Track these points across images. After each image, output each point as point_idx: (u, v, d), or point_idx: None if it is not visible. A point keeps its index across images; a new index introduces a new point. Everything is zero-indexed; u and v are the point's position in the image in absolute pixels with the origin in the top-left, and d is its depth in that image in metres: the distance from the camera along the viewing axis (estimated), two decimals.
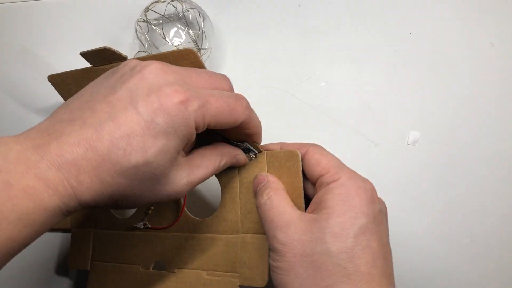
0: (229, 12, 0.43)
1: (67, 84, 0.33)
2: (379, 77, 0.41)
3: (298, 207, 0.27)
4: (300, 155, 0.28)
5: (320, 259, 0.23)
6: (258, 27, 0.43)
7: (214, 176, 0.31)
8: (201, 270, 0.32)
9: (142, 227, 0.34)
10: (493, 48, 0.41)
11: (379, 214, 0.25)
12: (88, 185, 0.21)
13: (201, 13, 0.39)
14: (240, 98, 0.26)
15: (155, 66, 0.23)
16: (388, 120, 0.41)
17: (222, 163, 0.28)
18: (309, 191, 0.29)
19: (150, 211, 0.35)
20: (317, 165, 0.27)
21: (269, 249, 0.26)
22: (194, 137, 0.23)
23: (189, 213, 0.33)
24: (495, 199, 0.41)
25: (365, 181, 0.26)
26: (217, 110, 0.23)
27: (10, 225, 0.19)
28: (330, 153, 0.28)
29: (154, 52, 0.38)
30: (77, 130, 0.21)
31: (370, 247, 0.24)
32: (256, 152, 0.30)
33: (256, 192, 0.29)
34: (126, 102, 0.21)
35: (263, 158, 0.30)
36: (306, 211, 0.27)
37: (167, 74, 0.23)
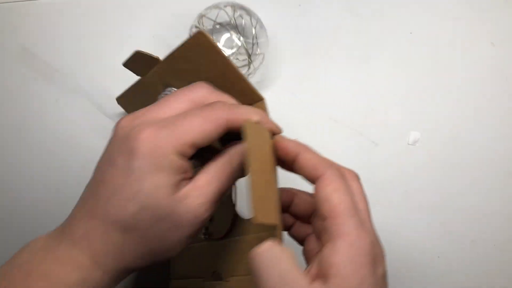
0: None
1: (129, 101, 0.36)
2: (379, 77, 0.41)
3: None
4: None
5: None
6: None
7: None
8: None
9: (205, 237, 0.32)
10: (493, 48, 0.41)
11: (381, 280, 0.22)
12: (104, 251, 0.22)
13: (254, 17, 0.38)
14: (211, 105, 0.24)
15: (123, 120, 0.23)
16: (388, 120, 0.41)
17: (235, 164, 0.25)
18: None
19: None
20: (325, 201, 0.22)
21: None
22: (184, 163, 0.22)
23: (240, 215, 0.30)
24: (495, 199, 0.41)
25: (370, 234, 0.22)
26: (190, 127, 0.22)
27: None
28: (344, 187, 0.23)
29: None
30: (81, 206, 0.23)
31: None
32: None
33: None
34: (107, 164, 0.23)
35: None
36: (309, 273, 0.22)
37: (134, 120, 0.23)
